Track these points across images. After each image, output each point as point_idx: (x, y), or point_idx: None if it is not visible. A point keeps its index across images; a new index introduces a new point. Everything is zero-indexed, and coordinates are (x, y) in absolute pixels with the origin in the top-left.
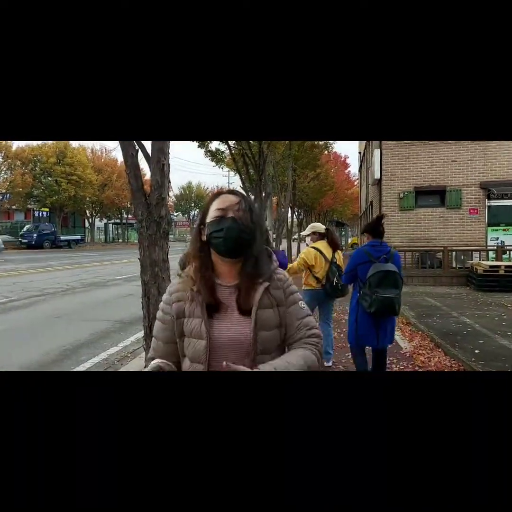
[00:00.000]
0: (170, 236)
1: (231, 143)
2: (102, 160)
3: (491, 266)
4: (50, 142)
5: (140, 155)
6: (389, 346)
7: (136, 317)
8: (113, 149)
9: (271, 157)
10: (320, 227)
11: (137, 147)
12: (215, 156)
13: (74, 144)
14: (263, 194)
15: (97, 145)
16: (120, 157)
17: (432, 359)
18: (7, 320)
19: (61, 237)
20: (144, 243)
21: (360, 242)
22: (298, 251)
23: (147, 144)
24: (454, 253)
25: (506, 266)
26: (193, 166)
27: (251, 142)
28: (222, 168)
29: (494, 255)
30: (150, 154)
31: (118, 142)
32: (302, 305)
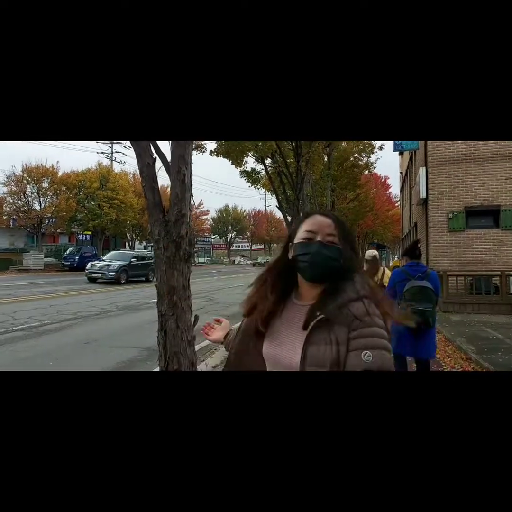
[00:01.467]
0: (207, 258)
1: (267, 162)
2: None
3: None
4: (94, 168)
5: (159, 164)
6: (432, 359)
7: None
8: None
9: (309, 176)
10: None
11: (155, 155)
12: (251, 176)
13: (117, 169)
14: (301, 215)
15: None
16: (160, 181)
17: None
18: (37, 346)
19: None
20: (161, 267)
21: (401, 265)
22: None
23: (167, 153)
24: (511, 278)
25: None
26: (231, 189)
27: (288, 160)
28: (258, 188)
29: None
30: (169, 164)
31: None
32: (367, 357)
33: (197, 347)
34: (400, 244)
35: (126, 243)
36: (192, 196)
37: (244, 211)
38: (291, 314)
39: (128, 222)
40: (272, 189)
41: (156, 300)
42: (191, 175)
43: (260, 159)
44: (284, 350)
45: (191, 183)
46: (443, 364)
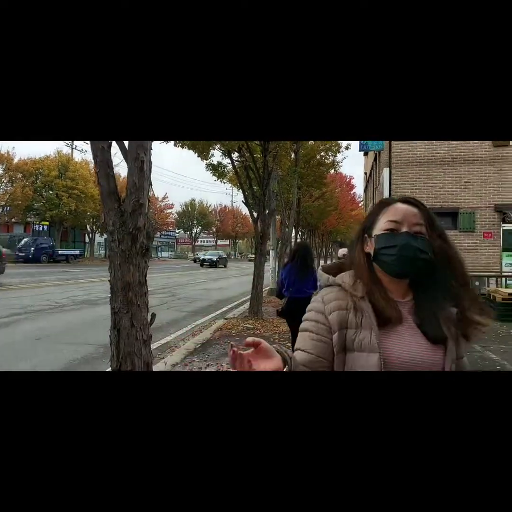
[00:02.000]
0: (171, 253)
1: (234, 156)
2: None
3: (510, 294)
4: (52, 155)
5: (115, 149)
6: None
7: None
8: (116, 164)
9: (276, 172)
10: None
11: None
12: (217, 170)
13: (77, 158)
14: (267, 212)
15: None
16: (123, 172)
17: None
18: None
19: (59, 252)
20: (116, 260)
21: None
22: None
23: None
24: None
25: None
26: (197, 183)
27: (255, 155)
28: (224, 183)
29: (511, 282)
30: (127, 149)
31: (122, 158)
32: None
33: (155, 345)
34: None
35: (86, 235)
36: (151, 185)
37: (210, 206)
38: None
39: (89, 213)
40: (238, 184)
41: None
42: (151, 162)
43: (226, 153)
44: (421, 349)
45: (150, 171)
46: None
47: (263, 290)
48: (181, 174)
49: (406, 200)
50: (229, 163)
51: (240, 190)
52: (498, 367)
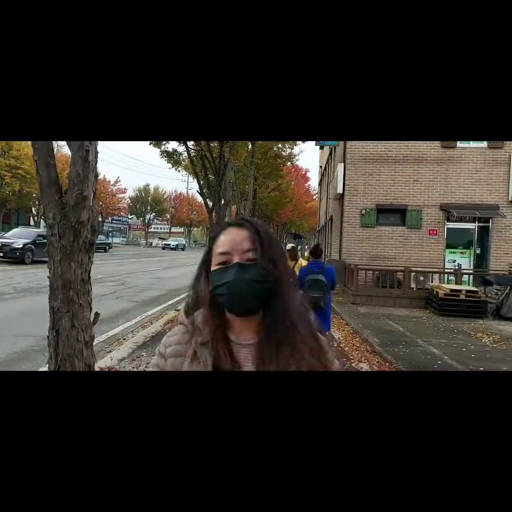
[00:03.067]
0: (123, 239)
1: (190, 143)
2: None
3: (452, 290)
4: None
5: None
6: (326, 332)
7: None
8: (65, 144)
9: (232, 162)
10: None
11: None
12: (172, 157)
13: None
14: (222, 202)
15: None
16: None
17: None
18: None
19: (4, 234)
20: (56, 256)
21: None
22: None
23: None
24: (412, 274)
25: (467, 291)
26: (152, 168)
27: (212, 143)
28: (179, 171)
29: (453, 278)
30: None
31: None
32: None
33: (103, 337)
34: (316, 235)
35: (31, 218)
36: (97, 176)
37: (165, 192)
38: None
39: (34, 195)
40: (193, 172)
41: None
42: (97, 152)
43: (182, 141)
44: None
45: (96, 161)
46: (351, 357)
47: None
48: (135, 159)
49: (238, 224)
50: (184, 151)
51: (195, 179)
52: (439, 362)
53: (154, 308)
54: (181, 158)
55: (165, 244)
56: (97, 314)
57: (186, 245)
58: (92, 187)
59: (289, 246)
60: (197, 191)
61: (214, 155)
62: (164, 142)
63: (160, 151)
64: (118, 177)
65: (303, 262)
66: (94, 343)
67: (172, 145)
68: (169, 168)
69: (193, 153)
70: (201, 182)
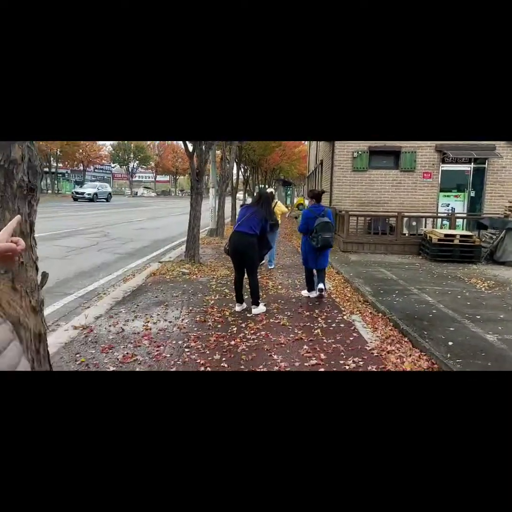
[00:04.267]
0: (107, 189)
1: None
2: None
3: (446, 235)
4: None
5: None
6: (325, 267)
7: None
8: None
9: None
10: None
11: None
12: None
13: None
14: (204, 145)
15: None
16: None
17: (405, 358)
18: None
19: None
20: None
21: (306, 203)
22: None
23: None
24: (404, 219)
25: (462, 236)
26: None
27: None
28: None
29: (446, 223)
30: None
31: None
32: None
33: (82, 292)
34: (306, 182)
35: None
36: None
37: None
38: None
39: None
40: None
41: (36, 235)
42: None
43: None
44: None
45: None
46: (342, 309)
47: (202, 231)
48: None
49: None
50: None
51: None
52: (434, 311)
53: (138, 260)
54: None
55: (76, 193)
56: (45, 275)
57: (169, 193)
58: None
59: (268, 190)
60: None
61: None
62: None
63: None
64: None
65: (280, 204)
66: (70, 299)
67: None
68: None
69: None
70: None
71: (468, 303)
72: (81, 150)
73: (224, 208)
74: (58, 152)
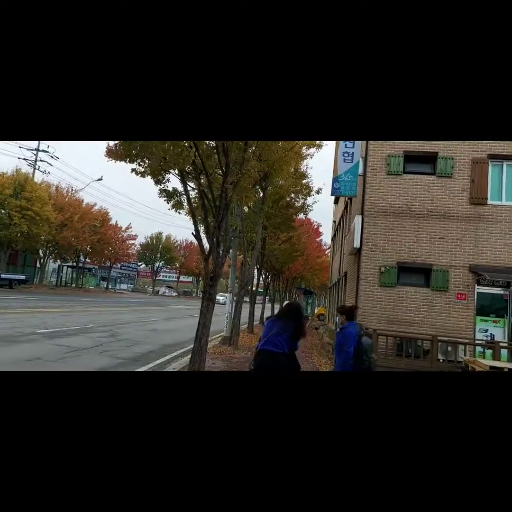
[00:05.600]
0: (130, 285)
1: (191, 185)
2: (66, 199)
3: (491, 367)
4: (9, 173)
5: None
6: None
7: None
8: (80, 189)
9: (240, 208)
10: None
11: None
12: (172, 197)
13: (39, 178)
14: (221, 249)
15: (63, 183)
16: (86, 199)
17: None
18: None
19: (1, 275)
20: None
21: (327, 313)
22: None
23: None
24: (439, 343)
25: (511, 369)
26: (168, 217)
27: (213, 182)
28: (179, 212)
29: (482, 350)
30: None
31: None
32: None
33: None
34: (327, 292)
35: (38, 260)
36: None
37: (177, 241)
38: None
39: (42, 237)
40: (189, 211)
41: (46, 331)
42: None
43: (180, 175)
44: None
45: None
46: None
47: (216, 336)
48: (148, 206)
49: None
50: (182, 188)
51: (192, 220)
52: None
53: (139, 368)
54: (183, 198)
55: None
56: None
57: (190, 294)
58: None
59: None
60: (192, 233)
61: (216, 195)
62: (164, 180)
63: (159, 189)
64: (130, 223)
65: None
66: None
67: (173, 184)
68: (169, 209)
69: (192, 194)
70: (199, 224)
71: None
72: (110, 248)
73: (240, 315)
74: (88, 248)
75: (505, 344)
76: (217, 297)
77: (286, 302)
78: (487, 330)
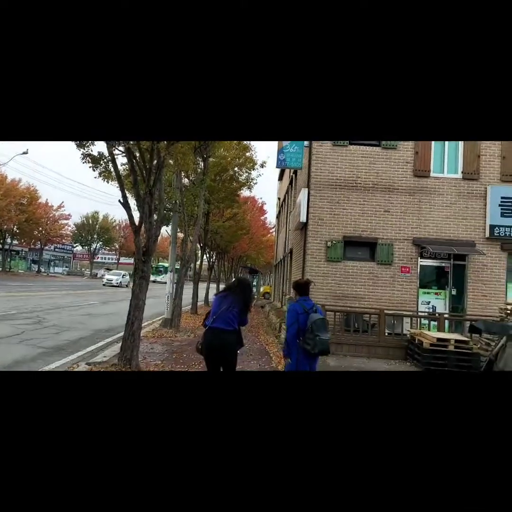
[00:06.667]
0: (65, 269)
1: (120, 148)
2: None
3: (438, 339)
4: None
5: None
6: None
7: None
8: (3, 164)
9: (178, 180)
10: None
11: None
12: (98, 163)
13: None
14: (155, 219)
15: None
16: (11, 175)
17: None
18: None
19: None
20: None
21: (272, 292)
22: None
23: None
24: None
25: (457, 341)
26: (106, 197)
27: (143, 142)
28: (107, 182)
29: (426, 322)
30: None
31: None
32: None
33: None
34: (272, 270)
35: None
36: None
37: (115, 221)
38: None
39: None
40: (116, 176)
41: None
42: None
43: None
44: None
45: None
46: None
47: (157, 320)
48: (83, 183)
49: None
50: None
51: (118, 184)
52: None
53: (63, 359)
54: (111, 166)
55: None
56: None
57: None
58: None
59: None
60: (119, 201)
61: (146, 158)
62: (87, 143)
63: (82, 154)
64: (62, 201)
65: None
66: None
67: (98, 147)
68: (95, 177)
69: (117, 153)
70: (126, 190)
71: None
72: (40, 228)
73: (182, 296)
74: (14, 228)
75: (448, 316)
76: (110, 277)
77: (235, 278)
78: (429, 302)
